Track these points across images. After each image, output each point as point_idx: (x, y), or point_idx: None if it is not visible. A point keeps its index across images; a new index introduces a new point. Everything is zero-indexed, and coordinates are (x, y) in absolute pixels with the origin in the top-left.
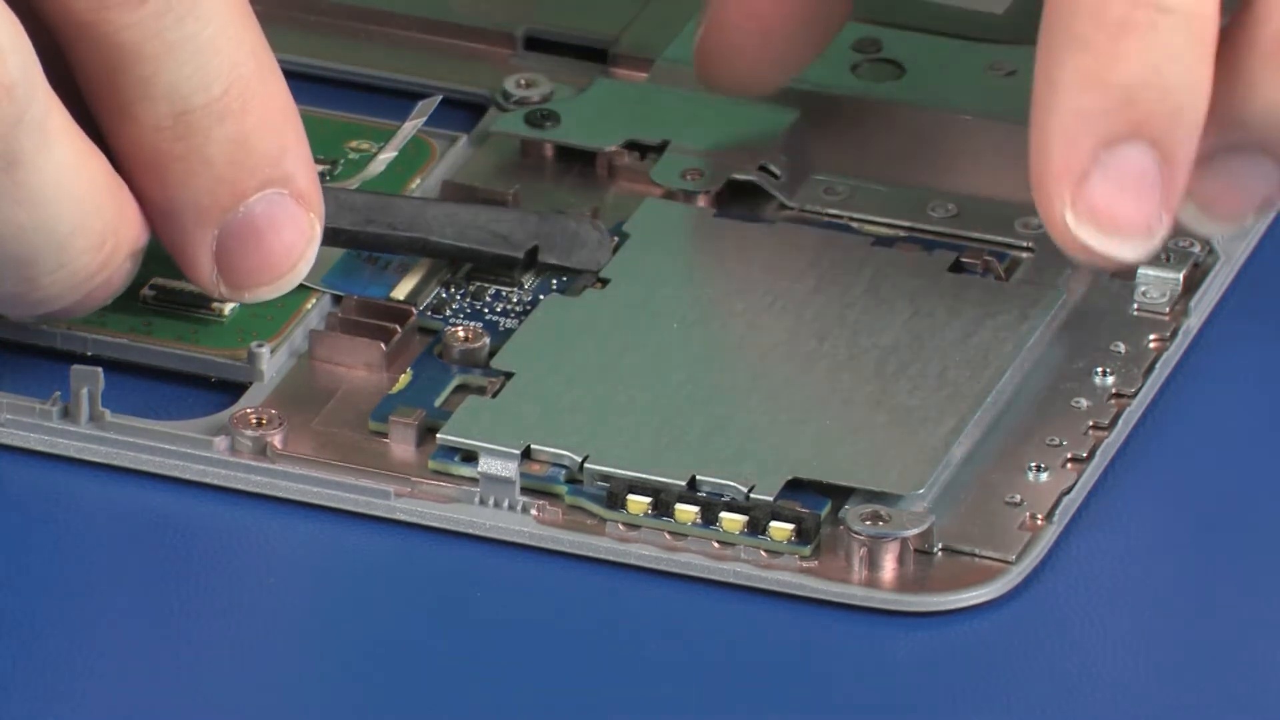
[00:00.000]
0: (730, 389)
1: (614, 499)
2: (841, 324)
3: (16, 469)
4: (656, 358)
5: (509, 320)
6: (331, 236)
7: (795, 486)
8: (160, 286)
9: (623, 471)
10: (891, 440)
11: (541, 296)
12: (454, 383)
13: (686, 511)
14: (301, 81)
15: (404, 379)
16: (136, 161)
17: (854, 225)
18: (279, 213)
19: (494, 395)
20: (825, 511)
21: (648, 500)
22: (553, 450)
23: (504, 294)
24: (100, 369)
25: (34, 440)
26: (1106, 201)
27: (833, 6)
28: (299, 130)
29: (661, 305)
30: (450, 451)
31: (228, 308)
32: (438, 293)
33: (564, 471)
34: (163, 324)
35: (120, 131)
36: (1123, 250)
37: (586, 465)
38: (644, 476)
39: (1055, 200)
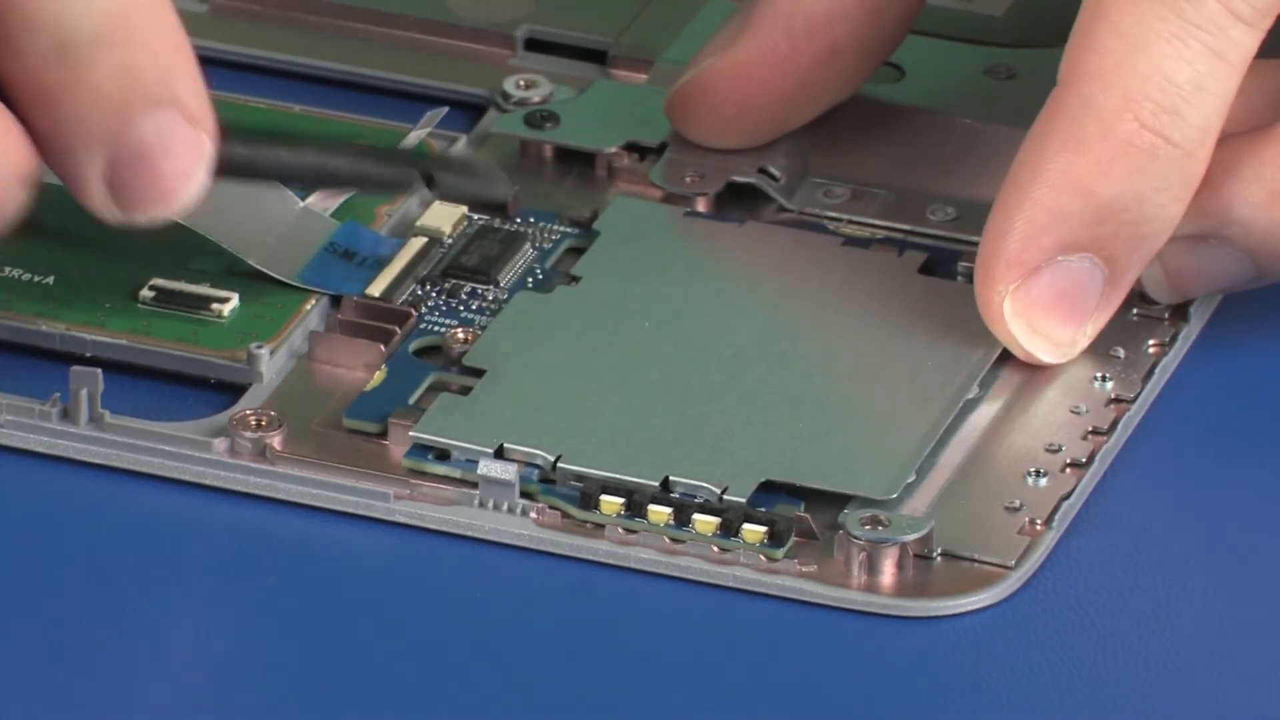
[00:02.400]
0: (703, 390)
1: (587, 499)
2: (814, 325)
3: (16, 470)
4: (628, 357)
5: (484, 318)
6: (227, 163)
7: (768, 488)
8: (160, 287)
9: (596, 472)
10: (865, 444)
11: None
12: (428, 380)
13: (659, 513)
14: (301, 81)
15: (378, 376)
16: (22, 92)
17: (830, 226)
18: (170, 134)
19: (466, 393)
20: (798, 513)
21: (621, 501)
22: (526, 450)
23: (479, 291)
24: (99, 370)
25: (33, 441)
26: (1045, 302)
27: (828, 88)
28: (189, 56)
29: (633, 304)
30: (424, 450)
31: (227, 309)
32: (413, 289)
33: (537, 471)
34: (162, 325)
35: (4, 63)
36: (1042, 354)
37: (560, 465)
38: (617, 477)
39: (998, 283)
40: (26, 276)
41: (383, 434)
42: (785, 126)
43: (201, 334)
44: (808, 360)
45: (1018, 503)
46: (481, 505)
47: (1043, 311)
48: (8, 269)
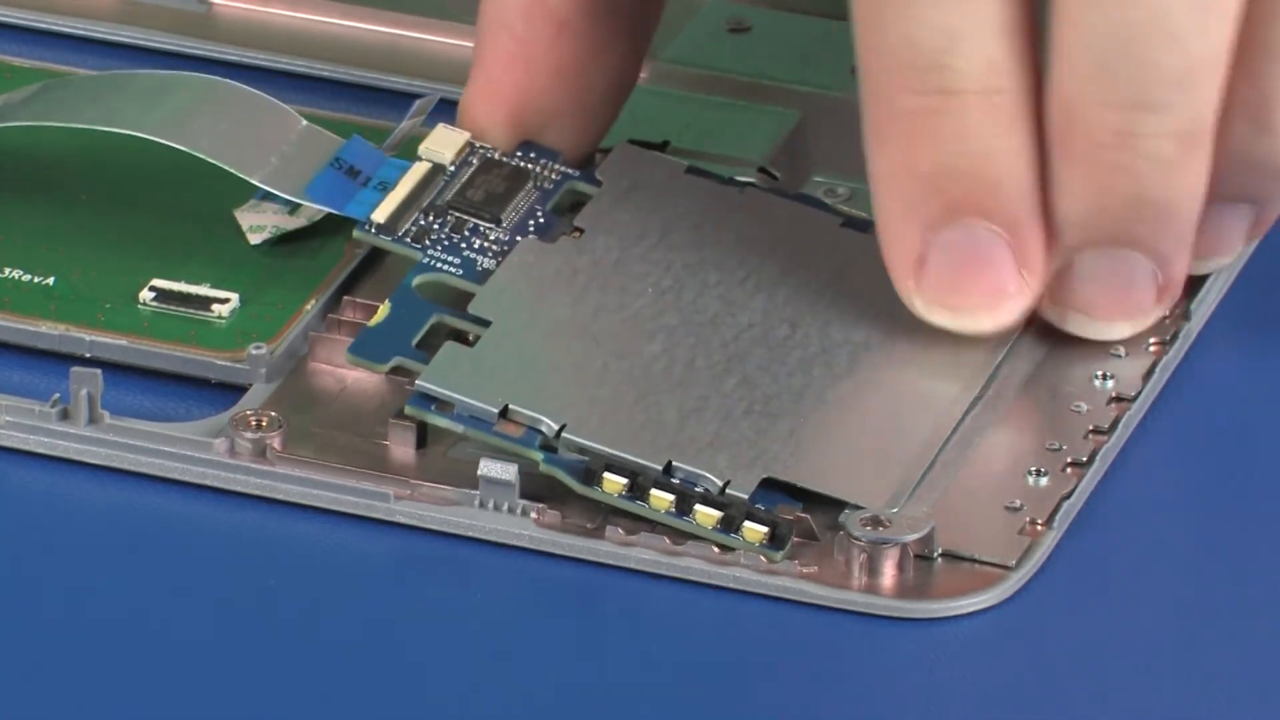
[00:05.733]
0: (705, 370)
1: (590, 475)
2: (813, 312)
3: (16, 471)
4: (632, 324)
5: (486, 259)
6: None
7: (768, 483)
8: (160, 288)
9: (600, 447)
10: (864, 451)
11: (519, 238)
12: (431, 321)
13: (661, 499)
14: (301, 81)
15: (382, 311)
16: None
17: (827, 201)
18: None
19: (472, 342)
20: (798, 513)
21: (624, 481)
22: (530, 414)
23: (483, 229)
24: (100, 371)
25: (33, 442)
26: (945, 280)
27: (582, 60)
28: None
29: (635, 265)
30: (426, 400)
31: (227, 309)
32: (416, 218)
33: (540, 437)
34: (162, 325)
35: None
36: (979, 324)
37: (563, 435)
38: (622, 455)
39: (902, 288)
40: (26, 277)
41: (395, 424)
42: (578, 108)
43: (201, 334)
44: (807, 350)
45: (1018, 503)
46: (482, 506)
47: (949, 288)
48: (8, 269)
